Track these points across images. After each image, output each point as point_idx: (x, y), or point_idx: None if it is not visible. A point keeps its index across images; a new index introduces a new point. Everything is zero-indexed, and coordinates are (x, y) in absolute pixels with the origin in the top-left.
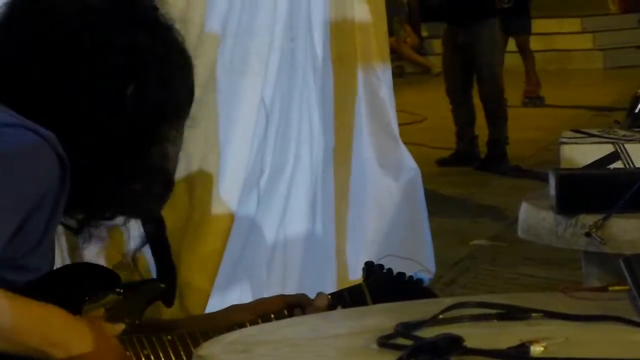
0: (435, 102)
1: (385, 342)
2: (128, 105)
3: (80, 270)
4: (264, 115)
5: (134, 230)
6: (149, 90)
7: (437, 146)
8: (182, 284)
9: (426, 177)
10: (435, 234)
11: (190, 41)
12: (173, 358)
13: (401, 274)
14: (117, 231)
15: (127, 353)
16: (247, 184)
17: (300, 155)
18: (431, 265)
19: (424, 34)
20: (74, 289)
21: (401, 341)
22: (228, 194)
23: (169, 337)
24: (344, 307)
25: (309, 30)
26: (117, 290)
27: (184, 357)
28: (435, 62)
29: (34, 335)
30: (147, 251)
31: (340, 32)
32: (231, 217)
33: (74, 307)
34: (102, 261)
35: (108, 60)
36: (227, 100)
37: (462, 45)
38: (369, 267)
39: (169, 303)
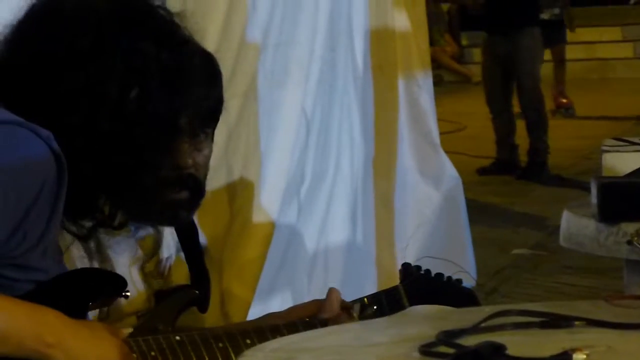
0: (476, 110)
1: (427, 350)
2: (129, 111)
3: (86, 275)
4: (304, 124)
5: (168, 237)
6: (151, 98)
7: (477, 155)
8: (224, 292)
9: (467, 186)
10: (476, 243)
11: (231, 51)
12: (182, 359)
13: (439, 275)
14: (150, 239)
15: (133, 355)
16: (288, 193)
17: (341, 164)
18: (473, 274)
19: (464, 42)
20: (78, 293)
21: (443, 349)
22: (269, 202)
23: (178, 338)
24: (380, 309)
25: (349, 39)
26: (124, 294)
27: (194, 359)
28: (475, 71)
29: (28, 336)
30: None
31: (380, 40)
32: (272, 226)
33: (78, 311)
34: (134, 270)
35: (108, 64)
36: (268, 109)
37: (502, 55)
38: (406, 268)
39: (203, 309)
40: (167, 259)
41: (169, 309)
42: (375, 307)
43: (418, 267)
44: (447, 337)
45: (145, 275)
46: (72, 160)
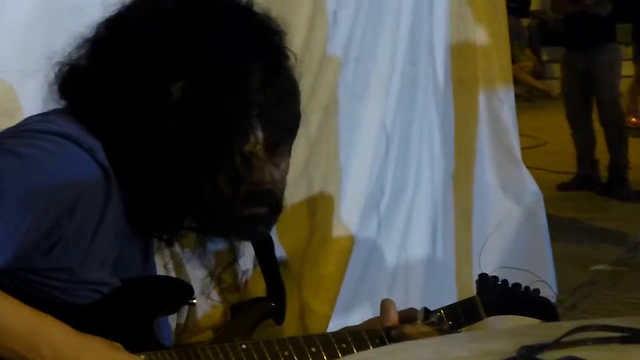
0: (556, 126)
1: None
2: (196, 122)
3: (153, 283)
4: (384, 138)
5: (245, 251)
6: (221, 110)
7: (558, 170)
8: (303, 306)
9: (547, 202)
10: (556, 259)
11: (312, 65)
12: None
13: (517, 285)
14: (227, 252)
15: None
16: (368, 207)
17: (421, 179)
18: (554, 290)
19: (545, 57)
20: (144, 301)
21: None
22: (349, 216)
23: (244, 347)
24: (457, 321)
25: (430, 53)
26: (191, 302)
27: None
28: (555, 85)
29: (21, 342)
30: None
31: (461, 54)
32: (352, 240)
33: (147, 319)
34: (210, 285)
35: (163, 67)
36: (348, 123)
37: (582, 70)
38: (483, 279)
39: (279, 321)
40: (244, 272)
41: (245, 322)
42: (438, 314)
43: (495, 278)
44: (528, 352)
45: (222, 290)
46: (137, 171)
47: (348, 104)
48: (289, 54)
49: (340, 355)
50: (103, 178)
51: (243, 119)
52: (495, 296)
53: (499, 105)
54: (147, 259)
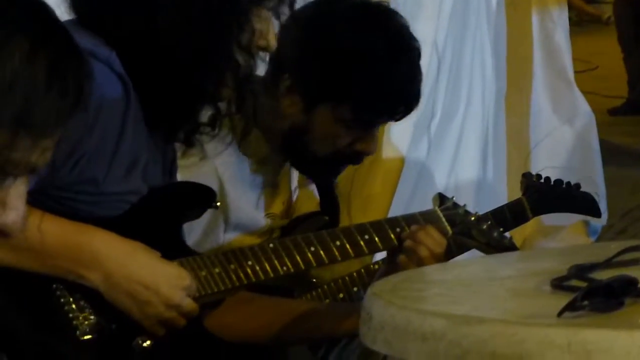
0: (607, 50)
1: (559, 283)
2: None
3: (178, 189)
4: (436, 59)
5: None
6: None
7: (608, 95)
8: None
9: (598, 126)
10: (606, 183)
11: None
12: (277, 265)
13: (559, 181)
14: (285, 177)
15: (231, 265)
16: (418, 128)
17: (472, 100)
18: (603, 213)
19: None
20: (173, 207)
21: (575, 283)
22: (399, 137)
23: (271, 246)
24: (504, 224)
25: None
26: (214, 205)
27: (288, 264)
28: (605, 10)
29: (63, 256)
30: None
31: None
32: (401, 160)
33: (174, 225)
34: (260, 211)
35: None
36: None
37: None
38: (527, 179)
39: None
40: (295, 197)
41: (302, 233)
42: (453, 201)
43: (538, 176)
44: (579, 271)
45: (268, 215)
46: (149, 74)
47: None
48: None
49: (364, 247)
50: (122, 88)
51: (236, 11)
52: (541, 196)
53: (552, 26)
54: (170, 169)
